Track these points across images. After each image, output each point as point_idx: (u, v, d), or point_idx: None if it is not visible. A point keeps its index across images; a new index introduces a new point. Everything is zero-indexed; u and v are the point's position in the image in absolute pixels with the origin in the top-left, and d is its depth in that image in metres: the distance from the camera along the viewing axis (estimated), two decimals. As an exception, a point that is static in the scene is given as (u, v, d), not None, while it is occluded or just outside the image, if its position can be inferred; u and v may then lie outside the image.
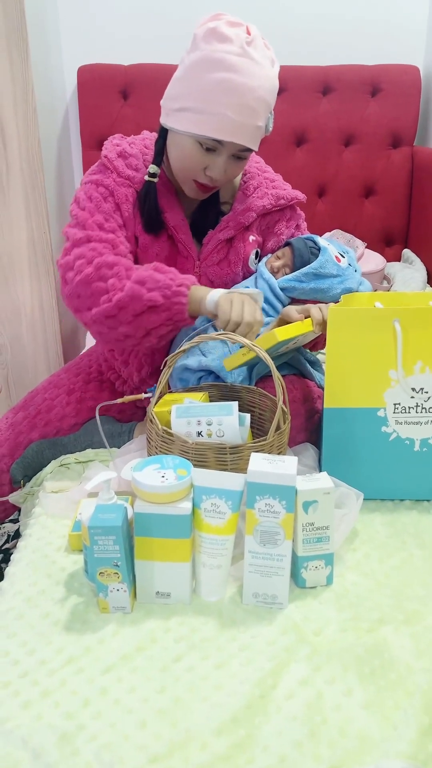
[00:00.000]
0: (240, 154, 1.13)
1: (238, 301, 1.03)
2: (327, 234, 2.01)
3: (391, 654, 0.77)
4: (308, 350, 1.28)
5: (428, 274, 1.94)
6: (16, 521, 1.75)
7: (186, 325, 1.11)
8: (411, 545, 0.98)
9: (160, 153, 1.19)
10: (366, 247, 2.02)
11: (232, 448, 0.92)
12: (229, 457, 0.93)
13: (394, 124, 2.02)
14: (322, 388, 1.23)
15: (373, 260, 1.96)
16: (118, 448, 1.24)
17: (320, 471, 1.08)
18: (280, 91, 1.90)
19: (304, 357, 1.26)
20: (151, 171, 1.17)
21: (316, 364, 1.28)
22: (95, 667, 0.75)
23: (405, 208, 2.10)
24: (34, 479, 1.23)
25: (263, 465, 0.81)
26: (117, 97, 1.95)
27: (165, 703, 0.70)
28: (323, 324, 1.06)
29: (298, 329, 1.05)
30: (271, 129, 1.15)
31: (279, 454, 0.98)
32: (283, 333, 1.02)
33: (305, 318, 1.09)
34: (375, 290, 1.95)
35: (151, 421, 0.99)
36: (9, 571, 0.95)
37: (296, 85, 1.96)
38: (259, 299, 1.09)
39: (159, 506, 0.81)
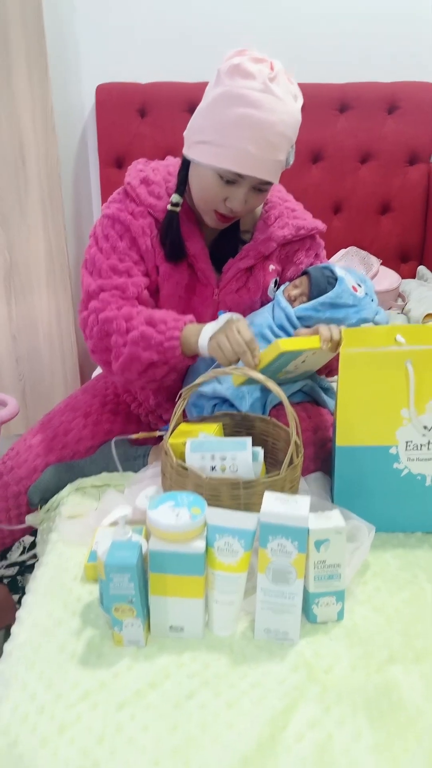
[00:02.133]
0: (260, 187, 1.14)
1: (224, 341, 1.05)
2: (342, 251, 2.02)
3: (401, 695, 0.78)
4: (322, 377, 1.30)
5: (443, 291, 1.93)
6: (34, 532, 1.78)
7: (191, 363, 1.15)
8: (422, 579, 0.99)
9: (183, 183, 1.21)
10: (381, 264, 2.02)
11: (245, 483, 0.94)
12: (243, 492, 0.94)
13: (411, 142, 2.02)
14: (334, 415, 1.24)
15: (388, 278, 1.96)
16: (134, 471, 1.26)
17: (332, 501, 1.09)
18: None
19: (318, 384, 1.27)
20: (174, 200, 1.19)
21: (329, 391, 1.29)
22: (110, 703, 0.77)
23: (421, 225, 2.10)
24: (51, 502, 1.26)
25: (276, 505, 0.83)
26: (135, 116, 1.97)
27: (178, 742, 0.72)
28: (331, 342, 1.06)
29: (304, 343, 1.05)
30: (291, 162, 1.16)
31: (291, 488, 0.99)
32: (286, 344, 1.02)
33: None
34: (390, 308, 1.95)
35: (166, 453, 1.01)
36: (26, 600, 0.97)
37: (313, 103, 1.94)
38: (239, 319, 1.10)
39: (173, 544, 0.83)
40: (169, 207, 1.20)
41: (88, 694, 0.78)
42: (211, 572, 0.86)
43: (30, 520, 1.31)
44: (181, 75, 1.98)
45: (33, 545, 1.83)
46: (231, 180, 1.12)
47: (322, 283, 1.22)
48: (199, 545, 0.83)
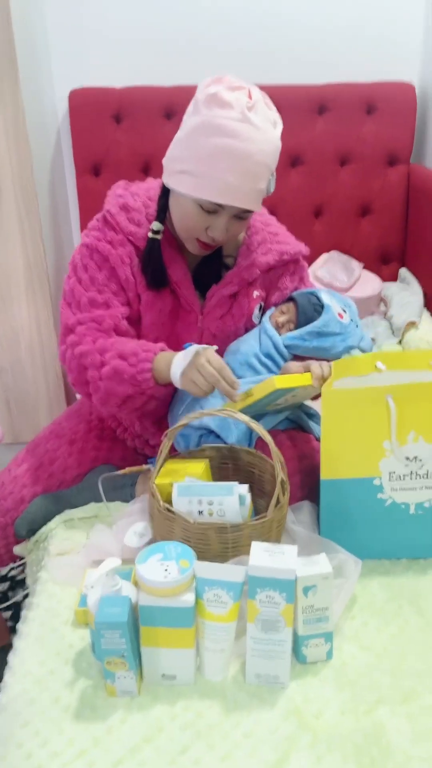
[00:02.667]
0: (242, 215, 1.13)
1: (195, 375, 1.06)
2: (324, 256, 2.02)
3: (389, 740, 0.80)
4: (308, 403, 1.30)
5: (425, 295, 1.94)
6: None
7: (168, 391, 1.16)
8: (408, 612, 1.01)
9: (164, 210, 1.19)
10: (363, 268, 2.02)
11: (233, 527, 0.95)
12: (230, 536, 0.95)
13: (390, 143, 2.00)
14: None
15: (371, 284, 1.96)
16: (121, 500, 1.27)
17: (319, 533, 1.11)
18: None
19: (303, 411, 1.27)
20: (155, 228, 1.18)
21: (315, 417, 1.29)
22: (105, 760, 0.78)
23: (402, 227, 2.09)
24: (39, 534, 1.26)
25: (264, 558, 0.84)
26: (110, 122, 1.93)
27: (173, 800, 0.74)
28: (322, 380, 1.08)
29: (297, 381, 1.07)
30: (272, 190, 1.15)
31: (279, 527, 1.00)
32: (281, 381, 1.04)
33: (305, 372, 1.11)
34: (372, 314, 1.96)
35: (152, 495, 1.01)
36: (17, 645, 0.97)
37: (291, 105, 1.93)
38: (206, 348, 1.09)
39: (163, 599, 0.84)
40: (150, 234, 1.19)
41: (83, 752, 0.79)
42: (202, 622, 0.87)
43: (18, 550, 1.31)
44: (157, 79, 1.94)
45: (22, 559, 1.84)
46: (211, 210, 1.11)
47: (308, 311, 1.22)
48: (189, 599, 0.84)
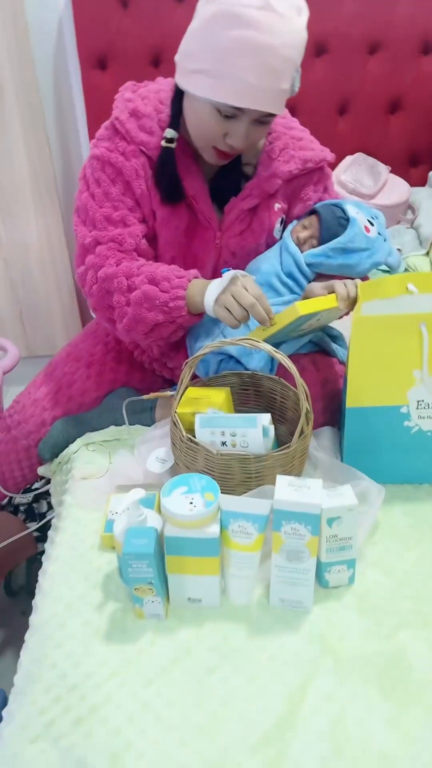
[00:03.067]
0: (263, 119, 1.04)
1: (231, 301, 1.01)
2: (348, 158, 1.88)
3: (410, 664, 0.83)
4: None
5: (455, 200, 1.82)
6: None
7: (198, 321, 1.12)
8: (430, 538, 1.01)
9: (177, 115, 1.09)
10: (390, 172, 1.89)
11: (256, 458, 0.94)
12: (253, 467, 0.94)
13: (426, 26, 1.80)
14: (344, 364, 1.22)
15: (398, 190, 1.84)
16: (141, 424, 1.26)
17: (342, 459, 1.10)
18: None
19: (326, 332, 1.23)
20: (168, 136, 1.08)
21: (338, 339, 1.25)
22: (136, 681, 0.82)
23: (434, 124, 1.94)
24: (62, 456, 1.27)
25: (289, 492, 0.83)
26: (116, 7, 1.75)
27: (202, 719, 0.77)
28: (348, 300, 1.03)
29: (321, 304, 1.02)
30: (298, 88, 1.04)
31: (302, 457, 0.99)
32: (304, 307, 1.00)
33: (330, 294, 1.06)
34: (398, 222, 1.85)
35: (174, 424, 1.00)
36: (48, 569, 1.00)
37: (316, -16, 1.73)
38: (244, 275, 1.05)
39: (188, 530, 0.84)
40: (163, 143, 1.09)
41: (116, 672, 0.83)
42: (227, 551, 0.88)
43: (42, 471, 1.33)
44: None
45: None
46: (230, 114, 1.01)
47: (333, 225, 1.15)
48: (214, 530, 0.85)
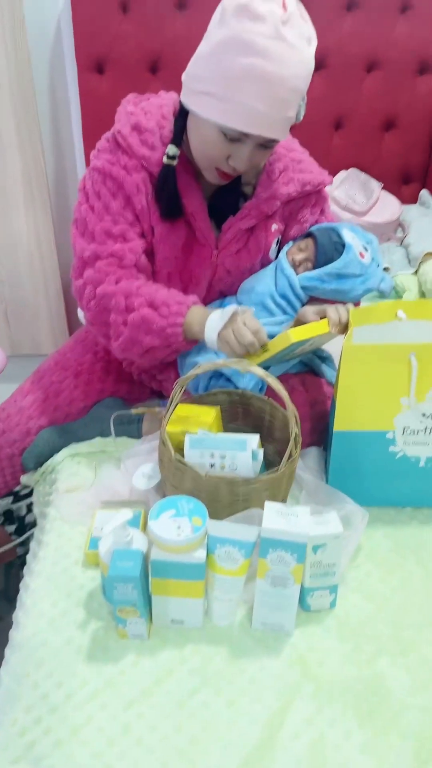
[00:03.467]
0: (267, 144, 1.05)
1: (231, 338, 1.02)
2: (342, 173, 1.90)
3: (388, 689, 0.84)
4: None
5: (445, 221, 1.85)
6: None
7: (193, 346, 1.14)
8: (411, 562, 1.03)
9: (180, 132, 1.09)
10: (382, 188, 1.91)
11: (244, 481, 0.94)
12: (241, 490, 0.95)
13: (423, 47, 1.83)
14: (333, 385, 1.23)
15: (389, 207, 1.86)
16: (128, 436, 1.26)
17: (327, 481, 1.11)
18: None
19: (315, 353, 1.24)
20: (170, 153, 1.08)
21: (328, 360, 1.26)
22: (118, 703, 0.82)
23: (427, 143, 1.96)
24: (46, 465, 1.26)
25: (277, 521, 0.84)
26: (116, 10, 1.73)
27: (183, 743, 0.78)
28: (340, 326, 1.04)
29: (314, 330, 1.03)
30: (302, 116, 1.05)
31: (289, 480, 1.00)
32: (297, 334, 1.01)
33: (321, 319, 1.07)
34: (389, 240, 1.87)
35: (163, 443, 1.00)
36: (30, 584, 1.00)
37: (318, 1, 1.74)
38: (245, 311, 1.06)
39: (175, 554, 0.85)
40: (165, 160, 1.09)
41: (97, 693, 0.83)
42: (212, 575, 0.88)
43: (25, 480, 1.32)
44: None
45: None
46: (235, 138, 1.02)
47: (328, 249, 1.16)
48: (200, 555, 0.85)
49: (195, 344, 1.13)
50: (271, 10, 0.93)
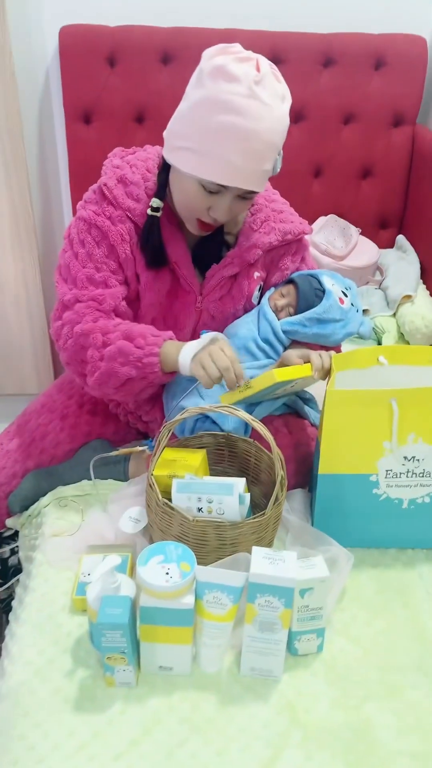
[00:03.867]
0: (245, 195, 1.09)
1: (207, 360, 1.04)
2: (322, 219, 1.96)
3: (375, 736, 0.85)
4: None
5: (421, 264, 1.91)
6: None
7: (168, 380, 1.16)
8: (396, 605, 1.04)
9: (164, 186, 1.13)
10: (360, 234, 1.97)
11: (231, 525, 0.96)
12: (229, 534, 0.96)
13: (397, 101, 1.91)
14: (316, 427, 1.25)
15: (368, 252, 1.92)
16: (113, 477, 1.27)
17: (312, 523, 1.13)
18: (279, 63, 1.78)
19: (298, 395, 1.27)
20: (154, 205, 1.12)
21: (310, 402, 1.29)
22: (106, 754, 0.82)
23: (402, 191, 2.03)
24: (31, 509, 1.26)
25: (265, 566, 0.85)
26: (103, 64, 1.80)
27: (172, 795, 0.78)
28: (322, 371, 1.07)
29: (297, 373, 1.06)
30: (279, 170, 1.10)
31: (276, 523, 1.02)
32: (281, 374, 1.03)
33: (305, 363, 1.10)
34: (367, 283, 1.93)
35: (150, 487, 1.01)
36: (16, 631, 0.99)
37: (297, 57, 1.82)
38: (220, 338, 1.09)
39: (163, 600, 0.85)
40: (149, 212, 1.13)
41: (84, 745, 0.82)
42: (200, 620, 0.89)
43: (10, 523, 1.32)
44: (154, 19, 1.80)
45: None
46: (214, 190, 1.06)
47: (309, 296, 1.19)
48: (189, 601, 0.86)
49: (171, 377, 1.14)
50: (245, 71, 0.98)
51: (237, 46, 1.02)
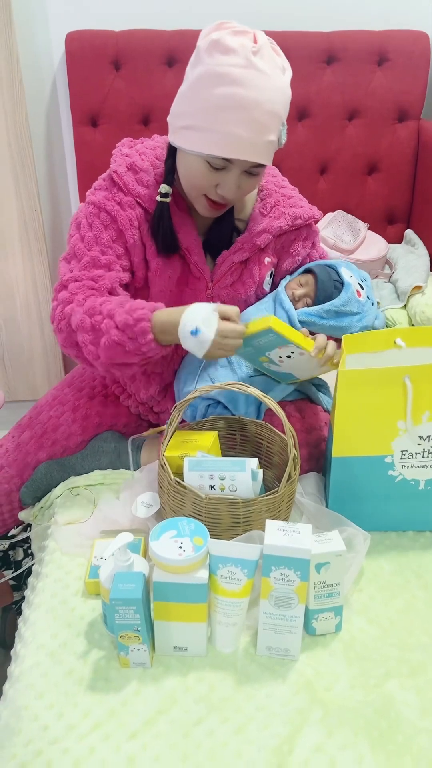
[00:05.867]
0: (252, 171, 1.08)
1: (224, 341, 1.02)
2: (329, 215, 1.96)
3: (398, 713, 0.82)
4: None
5: (430, 257, 1.90)
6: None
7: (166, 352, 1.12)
8: (414, 585, 1.02)
9: (171, 171, 1.13)
10: (368, 229, 1.97)
11: (244, 502, 0.94)
12: (242, 511, 0.95)
13: (400, 97, 1.92)
14: (329, 412, 1.24)
15: (376, 245, 1.92)
16: (126, 468, 1.26)
17: (327, 506, 1.11)
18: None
19: (311, 381, 1.25)
20: (163, 191, 1.12)
21: (323, 388, 1.28)
22: (121, 733, 0.80)
23: (409, 186, 2.03)
24: (44, 500, 1.25)
25: (279, 538, 0.83)
26: (108, 68, 1.83)
27: (189, 773, 0.75)
28: (322, 354, 1.05)
29: (295, 337, 1.04)
30: (284, 141, 1.10)
31: (290, 502, 1.00)
32: (277, 325, 1.01)
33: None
34: (377, 277, 1.92)
35: (162, 467, 1.00)
36: (29, 616, 0.98)
37: (299, 55, 1.84)
38: (211, 310, 1.05)
39: (176, 575, 0.84)
40: (158, 198, 1.14)
41: (99, 724, 0.81)
42: (215, 597, 0.87)
43: (23, 516, 1.31)
44: (158, 22, 1.83)
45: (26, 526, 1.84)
46: (220, 166, 1.05)
47: (328, 287, 1.19)
48: (203, 575, 0.84)
49: (169, 348, 1.10)
50: (241, 43, 0.98)
51: (233, 22, 1.02)
